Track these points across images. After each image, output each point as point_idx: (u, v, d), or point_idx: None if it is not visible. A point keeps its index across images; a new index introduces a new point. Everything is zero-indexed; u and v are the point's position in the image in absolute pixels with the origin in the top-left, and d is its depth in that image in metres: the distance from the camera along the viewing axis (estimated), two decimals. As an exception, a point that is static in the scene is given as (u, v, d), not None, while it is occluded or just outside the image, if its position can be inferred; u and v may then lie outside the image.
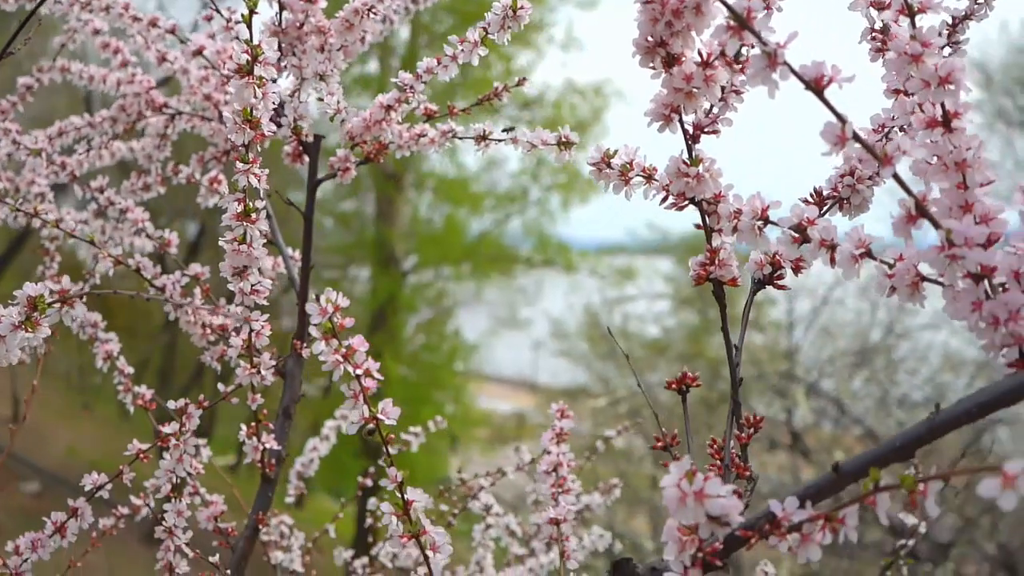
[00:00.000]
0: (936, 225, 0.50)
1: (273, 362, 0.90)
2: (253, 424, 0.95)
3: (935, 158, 0.54)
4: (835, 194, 0.67)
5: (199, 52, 1.07)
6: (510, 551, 1.32)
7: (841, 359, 6.46)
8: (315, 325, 0.60)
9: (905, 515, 1.07)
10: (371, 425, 0.62)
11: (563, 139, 0.82)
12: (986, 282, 0.52)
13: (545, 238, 11.07)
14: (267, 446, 0.96)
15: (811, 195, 0.68)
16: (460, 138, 0.95)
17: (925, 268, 0.54)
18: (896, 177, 0.50)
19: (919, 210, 0.51)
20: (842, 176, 0.67)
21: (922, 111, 0.55)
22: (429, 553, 0.63)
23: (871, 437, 6.48)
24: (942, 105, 0.53)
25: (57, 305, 0.67)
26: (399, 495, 0.63)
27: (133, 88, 1.18)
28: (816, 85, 0.50)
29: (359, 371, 0.61)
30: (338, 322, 0.61)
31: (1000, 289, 0.51)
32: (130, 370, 1.09)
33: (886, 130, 0.68)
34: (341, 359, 0.60)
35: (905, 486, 0.45)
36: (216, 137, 1.15)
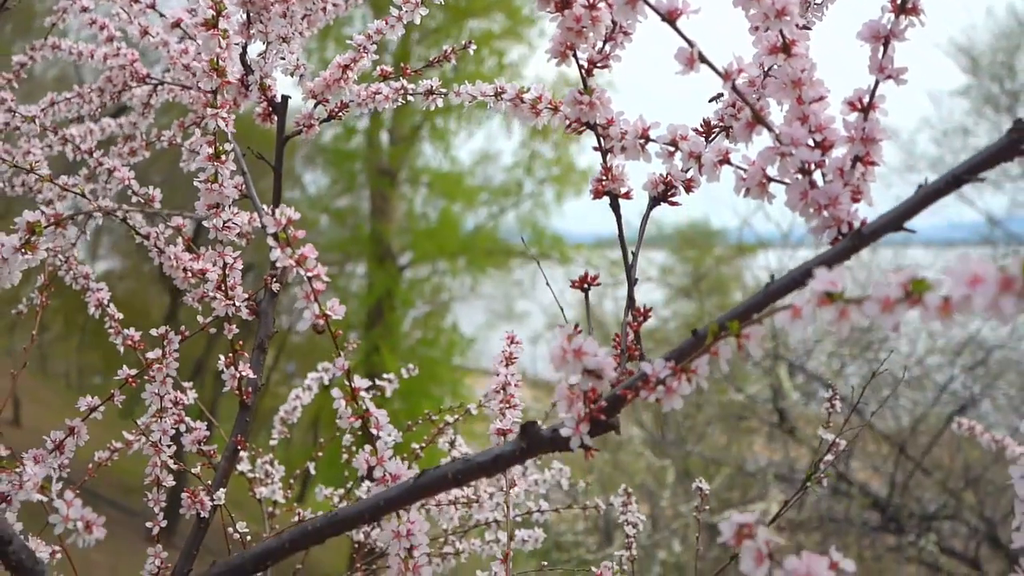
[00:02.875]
0: (770, 129, 0.61)
1: (246, 295, 1.01)
2: (231, 355, 1.06)
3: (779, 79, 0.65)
4: (720, 123, 0.78)
5: (177, 24, 1.17)
6: (478, 487, 1.42)
7: (826, 339, 6.58)
8: (271, 235, 0.71)
9: (824, 432, 1.18)
10: (321, 321, 0.73)
11: (499, 90, 0.93)
12: (819, 176, 0.63)
13: (540, 231, 11.17)
14: (244, 375, 1.07)
15: (700, 125, 0.79)
16: (411, 94, 1.06)
17: (771, 171, 0.66)
18: (735, 90, 0.61)
19: (756, 118, 0.62)
20: (726, 108, 0.78)
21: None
22: (374, 431, 0.74)
23: (857, 414, 6.60)
24: (781, 33, 0.64)
25: (52, 228, 0.78)
26: (347, 383, 0.75)
27: (119, 61, 1.29)
28: (670, 17, 0.61)
29: (311, 274, 0.72)
30: (292, 233, 0.72)
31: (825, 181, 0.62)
32: (120, 315, 1.20)
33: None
34: (294, 263, 0.71)
35: (732, 331, 0.56)
36: (196, 104, 1.26)
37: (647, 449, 6.58)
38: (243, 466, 1.36)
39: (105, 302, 1.22)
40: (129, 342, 1.16)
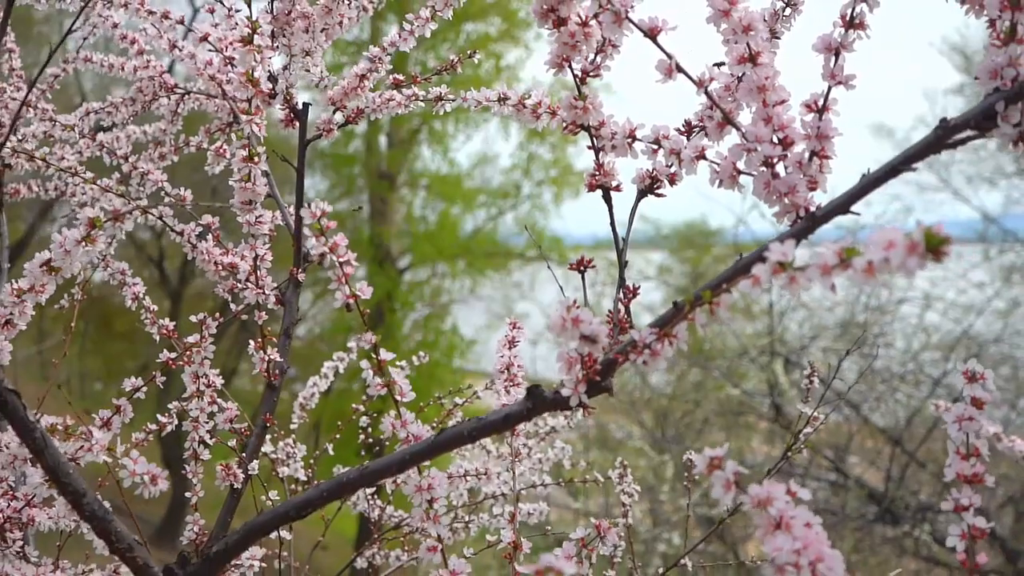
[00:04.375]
0: (738, 128, 0.72)
1: (275, 284, 1.11)
2: (260, 340, 1.17)
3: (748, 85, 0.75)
4: (700, 124, 0.88)
5: (205, 39, 1.28)
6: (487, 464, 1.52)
7: (823, 335, 6.69)
8: (307, 226, 0.81)
9: (801, 405, 1.28)
10: (351, 300, 0.83)
11: (502, 96, 1.04)
12: (782, 168, 0.74)
13: (538, 233, 11.27)
14: (272, 358, 1.17)
15: (682, 125, 0.89)
16: (422, 100, 1.17)
17: (740, 165, 0.76)
18: (708, 95, 0.72)
19: (725, 119, 0.72)
20: (704, 110, 0.88)
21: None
22: (398, 397, 0.84)
23: (854, 409, 6.70)
24: (748, 45, 0.74)
25: (111, 222, 0.88)
26: (374, 355, 0.85)
27: (148, 72, 1.40)
28: (651, 33, 0.72)
29: (342, 260, 0.82)
30: (325, 224, 0.82)
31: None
32: (155, 307, 1.30)
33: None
34: (328, 250, 0.82)
35: (706, 300, 0.66)
36: (220, 112, 1.36)
37: (646, 444, 6.68)
38: (266, 447, 1.46)
39: (141, 295, 1.32)
40: (164, 331, 1.26)
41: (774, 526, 0.60)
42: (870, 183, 0.67)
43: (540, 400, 0.77)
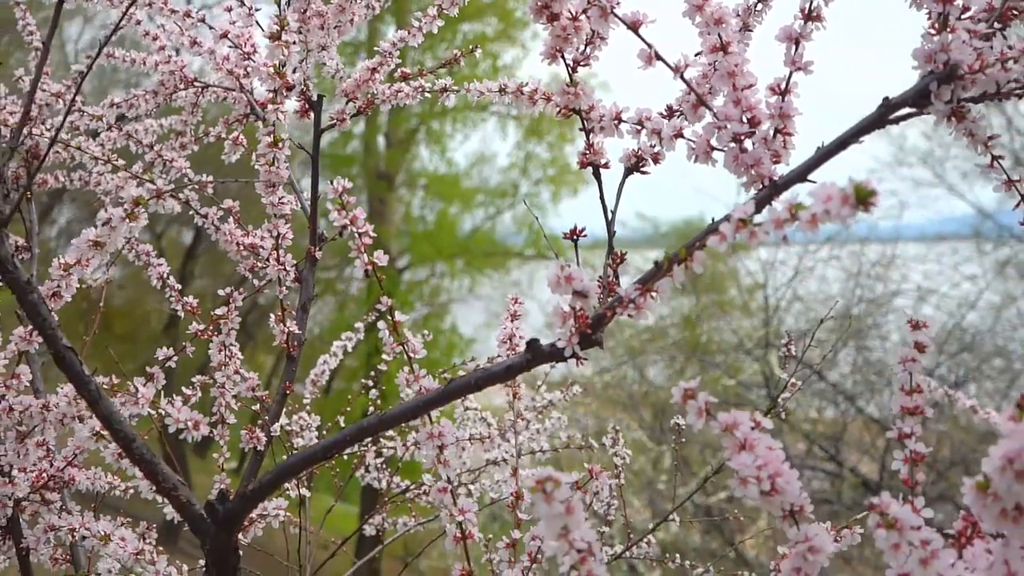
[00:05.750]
0: (710, 109, 0.82)
1: (295, 261, 1.21)
2: (280, 313, 1.27)
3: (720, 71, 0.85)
4: (679, 108, 0.98)
5: (224, 35, 1.38)
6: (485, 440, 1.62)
7: (819, 327, 6.79)
8: (330, 201, 0.91)
9: (779, 371, 1.38)
10: (370, 267, 0.93)
11: (502, 86, 1.14)
12: (750, 144, 0.84)
13: (536, 231, 11.36)
14: (291, 330, 1.27)
15: (664, 109, 0.99)
16: (428, 92, 1.27)
17: (713, 142, 0.86)
18: (684, 79, 0.82)
19: (699, 101, 0.82)
20: (683, 94, 0.98)
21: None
22: (411, 353, 0.94)
23: (849, 400, 6.83)
24: (719, 36, 0.84)
25: (154, 200, 0.98)
26: (390, 317, 0.95)
27: (169, 67, 1.49)
28: (633, 26, 0.82)
29: (361, 231, 0.92)
30: (346, 199, 0.92)
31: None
32: (178, 286, 1.40)
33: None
34: (348, 222, 0.92)
35: (682, 257, 0.76)
36: (238, 104, 1.46)
37: (644, 435, 6.79)
38: (280, 420, 1.56)
39: (165, 275, 1.42)
40: (189, 308, 1.36)
41: (739, 447, 0.70)
42: (824, 155, 0.77)
43: (538, 352, 0.87)
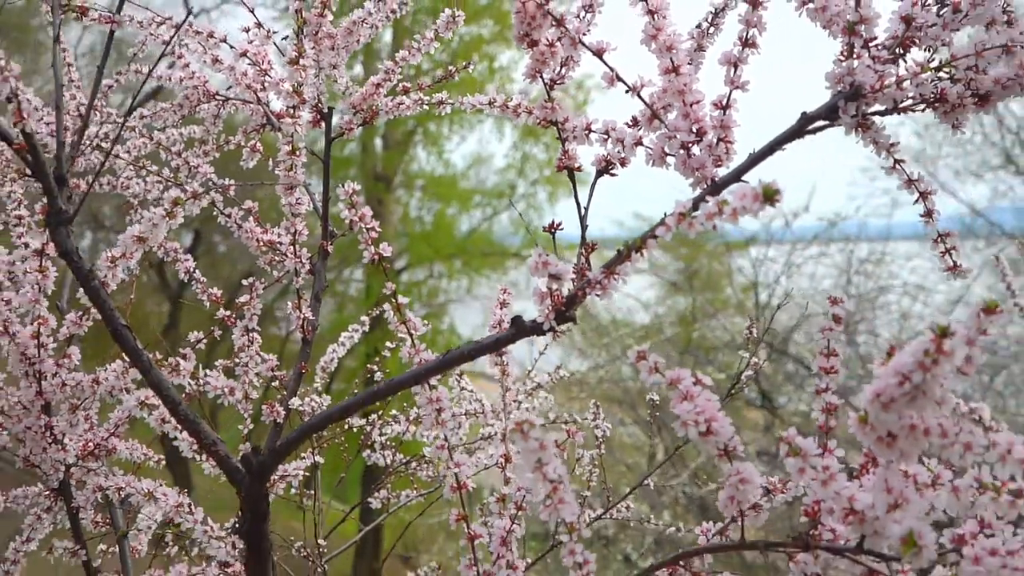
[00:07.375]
0: (662, 122, 0.98)
1: (310, 254, 1.37)
2: (296, 300, 1.43)
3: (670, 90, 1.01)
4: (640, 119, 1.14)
5: (244, 54, 1.54)
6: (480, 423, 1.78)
7: (807, 323, 6.97)
8: (341, 200, 1.07)
9: (743, 353, 1.54)
10: (376, 257, 1.09)
11: (492, 100, 1.30)
12: (696, 150, 1.00)
13: (533, 232, 11.50)
14: (306, 316, 1.43)
15: (630, 119, 1.15)
16: (428, 104, 1.43)
17: (667, 149, 1.02)
18: (640, 97, 0.98)
19: (653, 115, 0.98)
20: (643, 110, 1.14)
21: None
22: (412, 331, 1.10)
23: (840, 396, 6.98)
24: (671, 59, 1.00)
25: (191, 200, 1.14)
26: (394, 300, 1.11)
27: (192, 82, 1.65)
28: (598, 52, 0.98)
29: (368, 226, 1.08)
30: (355, 199, 1.08)
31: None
32: (204, 279, 1.56)
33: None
34: (357, 219, 1.08)
35: (639, 246, 0.92)
36: (255, 115, 1.62)
37: (638, 429, 6.95)
38: (293, 402, 1.72)
39: (192, 269, 1.58)
40: (214, 298, 1.52)
41: (682, 398, 0.86)
42: (753, 160, 0.93)
43: (522, 327, 1.03)
